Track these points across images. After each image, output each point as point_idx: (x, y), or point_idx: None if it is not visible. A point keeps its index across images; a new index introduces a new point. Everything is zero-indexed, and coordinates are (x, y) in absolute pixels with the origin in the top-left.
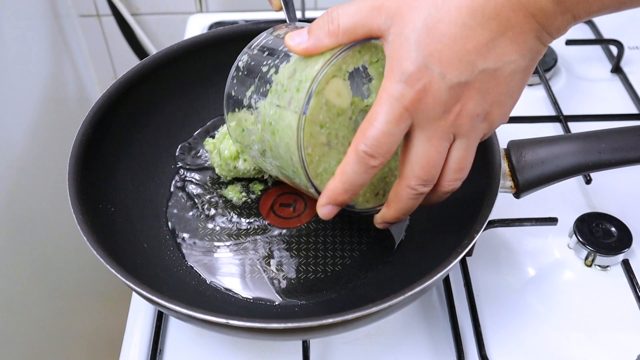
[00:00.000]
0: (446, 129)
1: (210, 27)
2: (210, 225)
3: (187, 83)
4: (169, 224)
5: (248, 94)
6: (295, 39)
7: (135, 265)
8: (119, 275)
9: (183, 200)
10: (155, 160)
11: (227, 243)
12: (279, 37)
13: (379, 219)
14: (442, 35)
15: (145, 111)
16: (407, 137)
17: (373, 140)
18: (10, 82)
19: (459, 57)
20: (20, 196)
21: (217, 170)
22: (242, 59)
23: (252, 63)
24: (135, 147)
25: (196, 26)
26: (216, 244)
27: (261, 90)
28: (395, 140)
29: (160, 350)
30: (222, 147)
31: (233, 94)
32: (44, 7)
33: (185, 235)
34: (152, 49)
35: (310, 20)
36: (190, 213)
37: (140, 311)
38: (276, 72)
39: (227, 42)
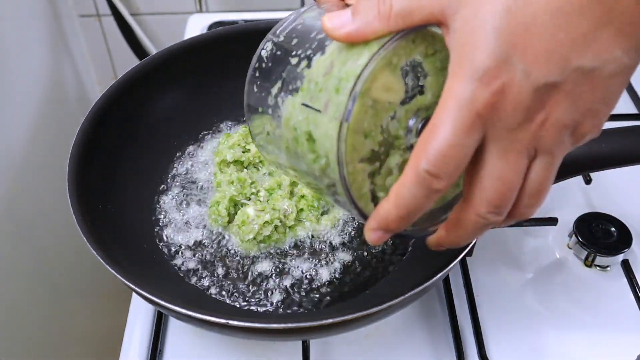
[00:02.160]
0: (526, 142)
1: (210, 27)
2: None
3: (187, 83)
4: (171, 224)
5: (274, 91)
6: (335, 21)
7: (135, 265)
8: (118, 276)
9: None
10: (155, 160)
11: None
12: (312, 19)
13: (434, 243)
14: (529, 22)
15: (145, 111)
16: (476, 151)
17: (437, 156)
18: (10, 82)
19: (549, 51)
20: (20, 196)
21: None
22: (266, 47)
23: (278, 53)
24: (135, 147)
25: (196, 26)
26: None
27: (289, 87)
28: (465, 155)
29: (160, 351)
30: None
31: (255, 90)
32: (44, 7)
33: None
34: (152, 49)
35: None
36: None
37: (140, 311)
38: (308, 65)
39: (227, 42)
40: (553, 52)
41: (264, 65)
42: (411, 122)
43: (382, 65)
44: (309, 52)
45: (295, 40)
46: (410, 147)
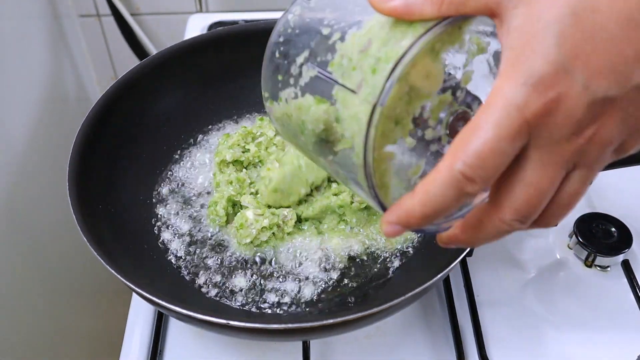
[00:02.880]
0: (569, 155)
1: (210, 27)
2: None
3: (187, 83)
4: (171, 225)
5: (299, 60)
6: None
7: (136, 265)
8: (119, 276)
9: (183, 201)
10: (155, 160)
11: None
12: None
13: (446, 240)
14: (596, 31)
15: (145, 111)
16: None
17: (476, 158)
18: (10, 82)
19: (612, 64)
20: (20, 196)
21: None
22: (294, 12)
23: (307, 20)
24: (135, 147)
25: (196, 26)
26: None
27: (318, 59)
28: (505, 161)
29: (160, 351)
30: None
31: (277, 56)
32: (44, 7)
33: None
34: (152, 49)
35: None
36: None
37: (140, 311)
38: (342, 39)
39: (227, 42)
40: (617, 66)
41: (289, 30)
42: (443, 114)
43: (425, 50)
44: (342, 24)
45: (328, 9)
46: (439, 140)
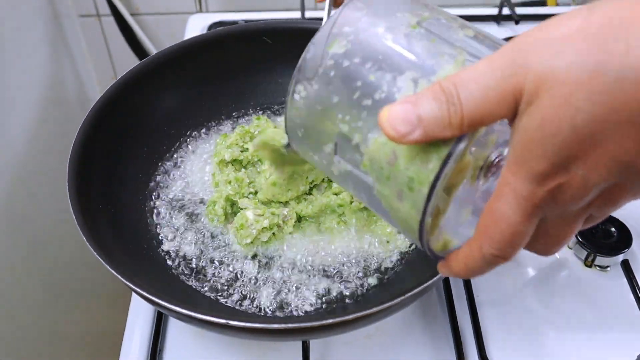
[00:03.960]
0: (577, 214)
1: (210, 27)
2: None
3: (187, 83)
4: (170, 225)
5: (326, 149)
6: (400, 129)
7: (136, 265)
8: (119, 276)
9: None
10: (156, 160)
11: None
12: (350, 64)
13: (445, 271)
14: (596, 133)
15: (145, 111)
16: None
17: (501, 243)
18: (10, 82)
19: (612, 159)
20: (20, 196)
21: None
22: (299, 92)
23: (318, 108)
24: (135, 147)
25: (196, 26)
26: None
27: (346, 155)
28: (528, 236)
29: (160, 351)
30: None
31: (300, 135)
32: (44, 7)
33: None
34: (152, 49)
35: (308, 19)
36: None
37: (140, 311)
38: (365, 142)
39: (227, 42)
40: (617, 160)
41: (302, 114)
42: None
43: (453, 167)
44: (359, 123)
45: (335, 97)
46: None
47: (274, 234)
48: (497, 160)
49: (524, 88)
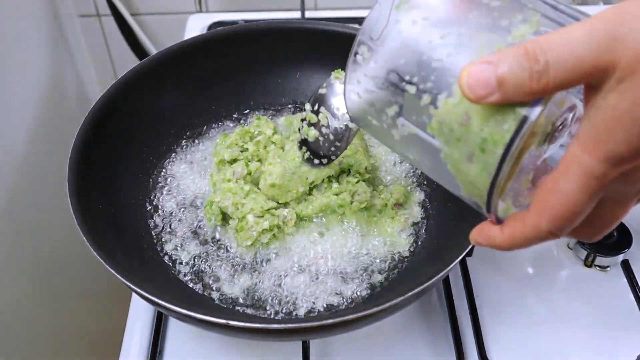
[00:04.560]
0: (633, 196)
1: (210, 27)
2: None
3: (186, 83)
4: (170, 225)
5: (389, 112)
6: (478, 91)
7: (135, 265)
8: (119, 276)
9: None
10: (155, 160)
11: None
12: (418, 29)
13: (485, 241)
14: None
15: (145, 111)
16: None
17: (561, 221)
18: (10, 82)
19: None
20: (20, 196)
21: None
22: (362, 53)
23: (384, 71)
24: (135, 147)
25: (196, 26)
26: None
27: (412, 118)
28: (584, 215)
29: (160, 351)
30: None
31: (361, 102)
32: (44, 7)
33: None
34: (152, 49)
35: (309, 19)
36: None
37: (140, 311)
38: (434, 104)
39: (227, 42)
40: None
41: (365, 76)
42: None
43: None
44: (428, 84)
45: (402, 59)
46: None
47: (274, 235)
48: (560, 127)
49: (619, 64)
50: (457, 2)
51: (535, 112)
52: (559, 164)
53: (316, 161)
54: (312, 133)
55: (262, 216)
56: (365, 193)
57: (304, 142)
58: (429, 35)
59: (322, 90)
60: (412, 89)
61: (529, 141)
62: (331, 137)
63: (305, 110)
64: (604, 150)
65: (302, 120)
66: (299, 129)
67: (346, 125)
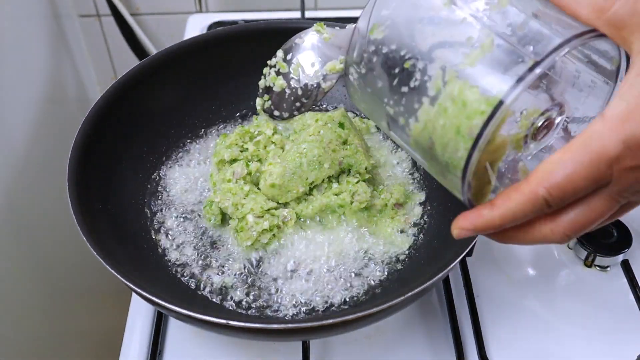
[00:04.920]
0: (633, 196)
1: (210, 27)
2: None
3: (186, 83)
4: (170, 225)
5: (383, 124)
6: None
7: (135, 265)
8: (119, 276)
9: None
10: (155, 160)
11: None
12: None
13: (466, 224)
14: None
15: (145, 111)
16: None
17: (560, 191)
18: (10, 82)
19: None
20: (20, 196)
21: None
22: (351, 72)
23: (366, 87)
24: (135, 147)
25: (196, 26)
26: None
27: (398, 133)
28: (581, 195)
29: (160, 351)
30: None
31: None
32: (44, 7)
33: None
34: (152, 49)
35: (308, 19)
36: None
37: (140, 311)
38: (407, 125)
39: (227, 42)
40: None
41: (357, 97)
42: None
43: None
44: (401, 108)
45: (380, 84)
46: (524, 139)
47: (274, 235)
48: (545, 124)
49: None
50: (419, 27)
51: (480, 143)
52: (575, 138)
53: (276, 113)
54: (280, 82)
55: (262, 216)
56: (365, 193)
57: (267, 90)
58: (396, 63)
59: (298, 41)
60: (390, 110)
61: (495, 155)
62: (299, 92)
63: (276, 56)
64: (628, 129)
65: (271, 67)
66: (265, 75)
67: (318, 84)
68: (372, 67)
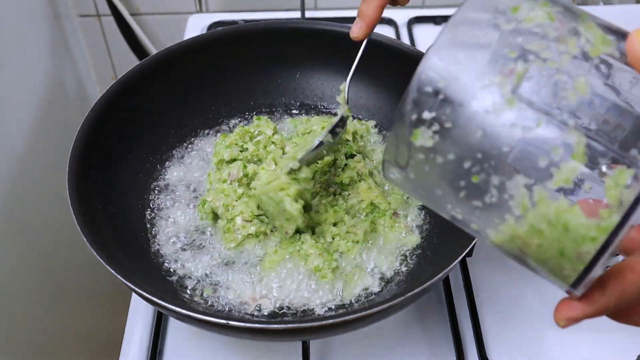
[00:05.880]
0: None
1: (210, 27)
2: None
3: (186, 83)
4: (170, 225)
5: (444, 211)
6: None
7: (136, 265)
8: (119, 276)
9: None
10: (155, 160)
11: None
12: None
13: (572, 314)
14: None
15: (145, 111)
16: None
17: None
18: (10, 82)
19: None
20: (20, 196)
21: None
22: (392, 172)
23: (418, 189)
24: (135, 147)
25: (196, 26)
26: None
27: (470, 229)
28: None
29: (160, 351)
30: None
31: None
32: (44, 7)
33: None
34: (152, 49)
35: (309, 19)
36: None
37: (140, 311)
38: (484, 233)
39: (227, 42)
40: None
41: (401, 187)
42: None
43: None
44: (473, 218)
45: (439, 192)
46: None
47: (259, 241)
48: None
49: None
50: (481, 133)
51: (597, 267)
52: None
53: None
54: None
55: (251, 221)
56: (361, 231)
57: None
58: (459, 176)
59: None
60: (458, 215)
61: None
62: None
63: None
64: None
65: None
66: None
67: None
68: (423, 173)
